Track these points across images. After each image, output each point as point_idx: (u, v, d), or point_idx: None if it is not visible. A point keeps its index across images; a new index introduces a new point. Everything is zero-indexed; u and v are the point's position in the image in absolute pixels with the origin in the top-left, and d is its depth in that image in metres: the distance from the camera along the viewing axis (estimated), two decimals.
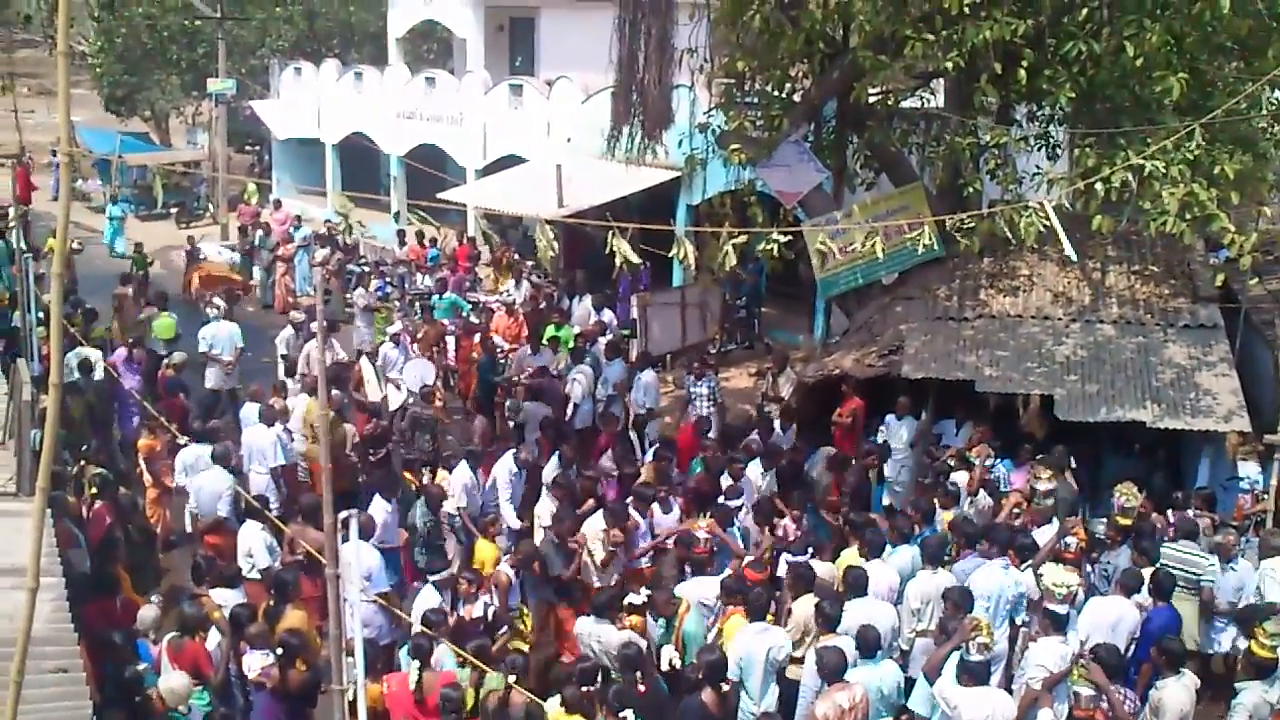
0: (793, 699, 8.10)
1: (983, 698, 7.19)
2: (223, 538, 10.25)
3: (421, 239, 21.34)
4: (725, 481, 10.94)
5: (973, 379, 11.71)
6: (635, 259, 11.69)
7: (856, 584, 8.48)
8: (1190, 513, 10.25)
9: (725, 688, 7.64)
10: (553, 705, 7.43)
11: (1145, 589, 8.68)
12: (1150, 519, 10.01)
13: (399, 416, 13.40)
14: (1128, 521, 9.57)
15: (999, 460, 11.11)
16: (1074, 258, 9.87)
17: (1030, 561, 8.96)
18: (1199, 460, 11.35)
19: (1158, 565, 9.05)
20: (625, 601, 8.48)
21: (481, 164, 22.70)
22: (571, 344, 14.81)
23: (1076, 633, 8.24)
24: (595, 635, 8.38)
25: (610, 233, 11.00)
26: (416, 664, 7.87)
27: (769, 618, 8.49)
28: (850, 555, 9.28)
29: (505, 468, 11.02)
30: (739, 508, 10.31)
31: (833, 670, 7.41)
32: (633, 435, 12.71)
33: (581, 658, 8.14)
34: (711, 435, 12.68)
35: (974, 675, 7.22)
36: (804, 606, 8.38)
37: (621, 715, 7.10)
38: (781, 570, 9.14)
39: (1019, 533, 9.44)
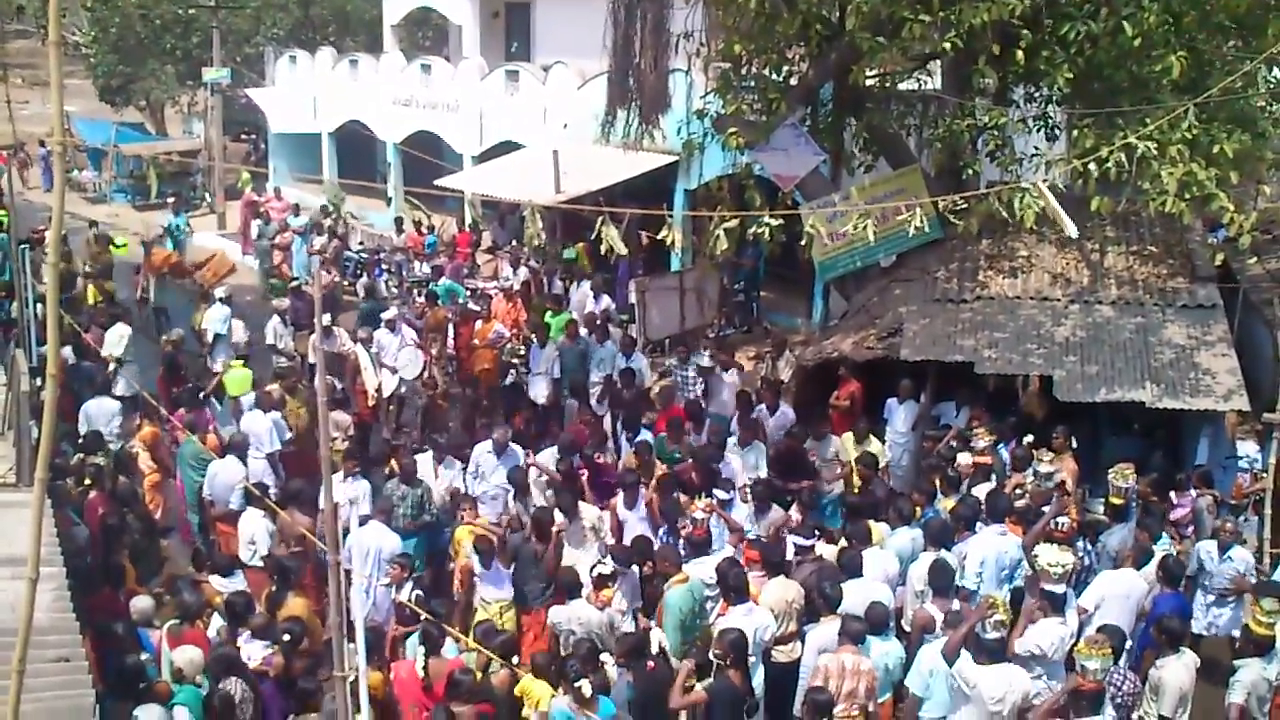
0: (776, 679, 8.17)
1: (1000, 675, 7.19)
2: (235, 527, 10.25)
3: (419, 227, 21.30)
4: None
5: (972, 361, 11.71)
6: (623, 249, 11.65)
7: (851, 566, 8.51)
8: (1191, 492, 10.28)
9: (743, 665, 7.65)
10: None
11: (1155, 573, 8.68)
12: (1153, 497, 10.05)
13: (394, 402, 13.44)
14: (1120, 501, 9.59)
15: (998, 444, 11.05)
16: (1074, 234, 9.80)
17: (1024, 541, 8.98)
18: (1198, 440, 11.36)
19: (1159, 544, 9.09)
20: (594, 574, 8.45)
21: (478, 151, 22.62)
22: (562, 331, 14.76)
23: (1073, 610, 8.25)
24: (575, 618, 8.34)
25: (600, 219, 10.96)
26: (423, 649, 7.89)
27: None
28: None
29: (482, 450, 11.03)
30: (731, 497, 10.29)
31: (853, 638, 7.52)
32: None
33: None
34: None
35: (990, 653, 7.23)
36: (775, 591, 8.40)
37: (577, 685, 7.11)
38: (789, 554, 9.12)
39: (1028, 510, 9.45)
